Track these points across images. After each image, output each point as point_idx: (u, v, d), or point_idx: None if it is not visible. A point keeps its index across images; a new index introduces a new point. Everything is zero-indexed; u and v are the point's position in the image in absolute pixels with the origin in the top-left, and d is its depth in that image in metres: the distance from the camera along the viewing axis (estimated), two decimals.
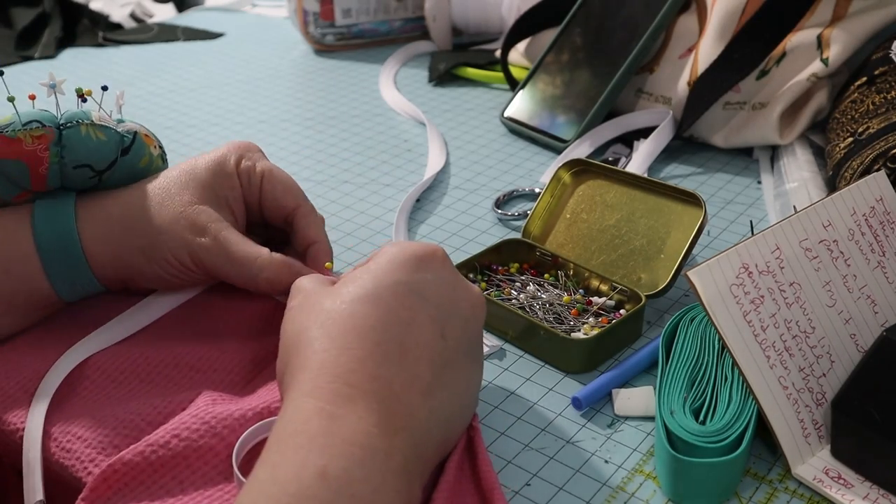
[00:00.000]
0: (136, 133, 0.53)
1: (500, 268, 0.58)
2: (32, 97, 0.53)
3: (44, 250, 0.49)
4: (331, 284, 0.42)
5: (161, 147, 0.56)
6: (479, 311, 0.43)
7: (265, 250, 0.51)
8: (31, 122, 0.50)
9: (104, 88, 0.54)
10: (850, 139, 0.64)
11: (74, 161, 0.50)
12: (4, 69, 0.56)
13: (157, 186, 0.52)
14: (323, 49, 1.07)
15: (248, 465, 0.41)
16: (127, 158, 0.52)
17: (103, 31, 1.15)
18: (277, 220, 0.55)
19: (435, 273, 0.41)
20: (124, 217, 0.51)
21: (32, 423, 0.45)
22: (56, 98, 0.51)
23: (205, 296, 0.55)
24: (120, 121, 0.53)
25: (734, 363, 0.42)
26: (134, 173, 0.53)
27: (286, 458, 0.34)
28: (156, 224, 0.50)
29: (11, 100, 0.50)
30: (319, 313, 0.39)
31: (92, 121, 0.51)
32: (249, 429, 0.43)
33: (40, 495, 0.42)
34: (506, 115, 0.84)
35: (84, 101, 0.53)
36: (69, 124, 0.50)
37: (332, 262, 0.53)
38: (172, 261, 0.50)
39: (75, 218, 0.50)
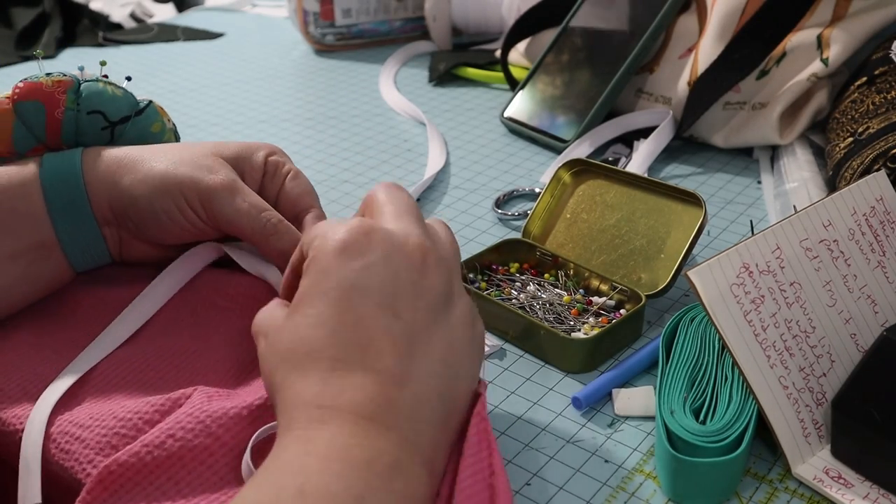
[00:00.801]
0: (150, 101, 0.56)
1: (500, 268, 0.59)
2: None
3: (47, 184, 0.49)
4: (285, 307, 0.41)
5: (174, 124, 0.58)
6: (433, 260, 0.39)
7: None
8: (52, 73, 0.53)
9: (128, 79, 0.57)
10: (850, 139, 0.64)
11: (89, 107, 0.53)
12: (4, 69, 0.56)
13: (175, 145, 0.53)
14: (323, 49, 1.07)
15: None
16: (140, 119, 0.54)
17: (103, 31, 1.15)
18: (286, 213, 0.54)
19: (362, 259, 0.38)
20: (134, 156, 0.51)
21: (33, 425, 0.45)
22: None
23: (202, 291, 0.55)
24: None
25: (734, 363, 0.42)
26: (145, 136, 0.55)
27: (267, 481, 0.34)
28: (171, 159, 0.50)
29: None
30: (279, 351, 0.38)
31: (110, 81, 0.55)
32: (257, 432, 0.42)
33: (38, 498, 0.42)
34: (506, 115, 0.84)
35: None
36: (88, 80, 0.54)
37: None
38: (180, 200, 0.49)
39: (81, 159, 0.50)
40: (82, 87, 0.53)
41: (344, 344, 0.37)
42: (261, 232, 0.49)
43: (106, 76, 0.56)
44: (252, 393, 0.45)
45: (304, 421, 0.35)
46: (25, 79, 0.52)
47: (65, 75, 0.53)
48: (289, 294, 0.42)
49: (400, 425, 0.36)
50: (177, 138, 0.57)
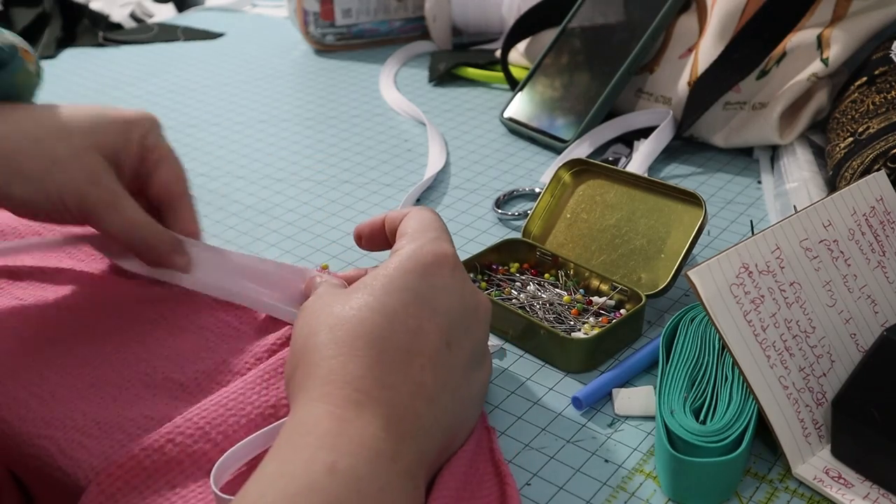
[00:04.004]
0: (14, 47, 0.52)
1: (500, 267, 0.59)
2: None
3: None
4: (342, 287, 0.43)
5: (38, 62, 0.54)
6: (486, 318, 0.43)
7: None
8: None
9: None
10: (851, 139, 0.64)
11: None
12: None
13: (52, 126, 0.50)
14: (323, 49, 1.07)
15: (228, 486, 0.41)
16: (4, 73, 0.51)
17: (103, 31, 1.15)
18: (159, 199, 0.55)
19: (444, 281, 0.41)
20: (6, 149, 0.48)
21: None
22: None
23: (200, 298, 0.55)
24: None
25: (734, 363, 0.42)
26: (8, 88, 0.51)
27: (296, 454, 0.34)
28: (50, 156, 0.48)
29: None
30: (328, 317, 0.39)
31: None
32: (227, 452, 0.42)
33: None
34: (506, 115, 0.84)
35: None
36: None
37: (326, 264, 0.53)
38: (60, 206, 0.49)
39: None
40: None
41: (398, 344, 0.38)
42: (135, 248, 0.52)
43: None
44: (251, 405, 0.45)
45: (342, 400, 0.36)
46: None
47: None
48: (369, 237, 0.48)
49: (417, 437, 0.37)
50: (40, 78, 0.54)
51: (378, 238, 0.49)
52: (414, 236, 0.43)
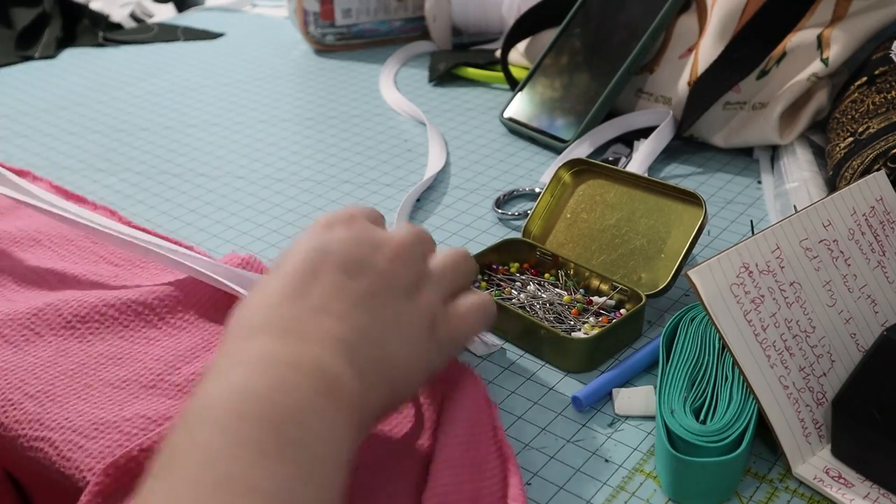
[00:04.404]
0: None
1: (500, 267, 0.58)
2: None
3: None
4: None
5: None
6: (394, 253, 0.44)
7: None
8: None
9: None
10: (851, 139, 0.64)
11: None
12: (4, 69, 0.55)
13: None
14: (323, 49, 1.07)
15: None
16: None
17: (103, 31, 1.15)
18: None
19: (340, 230, 0.43)
20: None
21: None
22: None
23: (198, 298, 0.55)
24: None
25: (734, 363, 0.42)
26: None
27: (221, 372, 0.37)
28: None
29: None
30: (249, 301, 0.41)
31: None
32: None
33: None
34: (505, 115, 0.84)
35: None
36: None
37: None
38: None
39: None
40: None
41: (296, 286, 0.40)
42: None
43: None
44: None
45: (238, 338, 0.39)
46: None
47: None
48: None
49: (332, 345, 0.38)
50: None
51: None
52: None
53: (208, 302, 0.55)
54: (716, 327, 0.42)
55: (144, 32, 1.16)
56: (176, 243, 0.60)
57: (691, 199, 0.56)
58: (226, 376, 0.36)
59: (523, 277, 0.57)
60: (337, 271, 0.41)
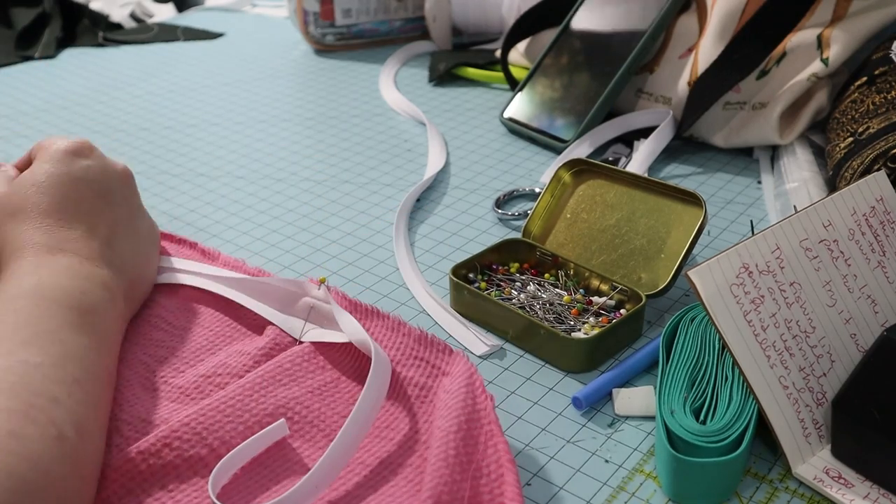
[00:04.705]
0: None
1: (500, 268, 0.59)
2: None
3: None
4: (10, 180, 0.54)
5: None
6: (129, 181, 0.57)
7: None
8: None
9: None
10: (851, 139, 0.64)
11: None
12: (4, 69, 0.57)
13: None
14: (323, 49, 1.07)
15: (223, 491, 0.42)
16: None
17: (103, 31, 1.15)
18: None
19: (88, 160, 0.55)
20: None
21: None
22: None
23: (198, 299, 0.55)
24: None
25: (734, 363, 0.42)
26: None
27: (9, 283, 0.47)
28: None
29: None
30: (6, 207, 0.51)
31: None
32: (223, 458, 0.42)
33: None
34: (505, 115, 0.84)
35: None
36: None
37: (324, 278, 0.53)
38: None
39: None
40: None
41: (69, 214, 0.52)
42: None
43: None
44: (250, 408, 0.45)
45: (34, 255, 0.49)
46: None
47: None
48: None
49: (107, 260, 0.51)
50: None
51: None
52: (50, 141, 0.56)
53: (210, 302, 0.55)
54: (716, 327, 0.42)
55: (144, 32, 1.16)
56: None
57: (691, 199, 0.56)
58: (36, 275, 0.47)
59: (523, 277, 0.57)
60: (98, 199, 0.53)
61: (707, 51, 0.75)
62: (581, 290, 0.56)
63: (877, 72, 0.66)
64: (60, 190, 0.52)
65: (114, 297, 0.50)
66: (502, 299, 0.55)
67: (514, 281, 0.57)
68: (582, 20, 0.84)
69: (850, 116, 0.66)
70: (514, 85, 0.88)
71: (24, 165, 0.57)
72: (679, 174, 0.74)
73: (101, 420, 0.43)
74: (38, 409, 0.39)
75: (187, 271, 0.57)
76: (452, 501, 0.39)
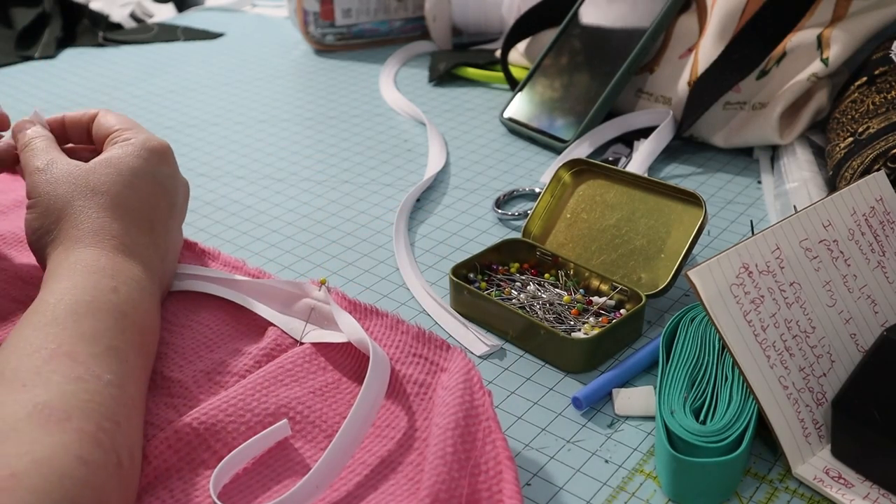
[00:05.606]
0: None
1: (500, 267, 0.59)
2: None
3: None
4: (65, 154, 0.53)
5: None
6: (187, 193, 0.57)
7: None
8: None
9: None
10: (850, 139, 0.64)
11: None
12: (4, 69, 0.56)
13: None
14: (323, 49, 1.07)
15: (224, 491, 0.41)
16: None
17: (103, 31, 1.15)
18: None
19: (168, 168, 0.54)
20: None
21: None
22: None
23: (199, 298, 0.55)
24: None
25: (734, 363, 0.42)
26: None
27: (84, 279, 0.45)
28: None
29: None
30: (84, 189, 0.50)
31: None
32: (224, 459, 0.42)
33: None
34: (505, 115, 0.84)
35: None
36: None
37: (325, 279, 0.53)
38: None
39: None
40: None
41: (144, 214, 0.51)
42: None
43: None
44: (251, 413, 0.45)
45: (111, 248, 0.48)
46: None
47: None
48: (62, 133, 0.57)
49: (160, 278, 0.51)
50: None
51: (78, 130, 0.58)
52: (131, 129, 0.54)
53: (212, 301, 0.55)
54: (716, 327, 0.42)
55: (144, 32, 1.16)
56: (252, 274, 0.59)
57: (691, 199, 0.56)
58: (114, 280, 0.46)
59: (523, 277, 0.57)
60: (168, 212, 0.53)
61: (707, 51, 0.75)
62: (581, 291, 0.56)
63: (877, 72, 0.66)
64: (144, 191, 0.52)
65: (159, 315, 0.49)
66: (502, 299, 0.55)
67: (514, 281, 0.57)
68: (582, 20, 0.84)
69: (850, 116, 0.66)
70: (514, 85, 0.88)
71: (57, 126, 0.56)
72: (679, 174, 0.74)
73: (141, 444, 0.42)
74: (105, 433, 0.38)
75: (190, 275, 0.57)
76: (450, 499, 0.39)
